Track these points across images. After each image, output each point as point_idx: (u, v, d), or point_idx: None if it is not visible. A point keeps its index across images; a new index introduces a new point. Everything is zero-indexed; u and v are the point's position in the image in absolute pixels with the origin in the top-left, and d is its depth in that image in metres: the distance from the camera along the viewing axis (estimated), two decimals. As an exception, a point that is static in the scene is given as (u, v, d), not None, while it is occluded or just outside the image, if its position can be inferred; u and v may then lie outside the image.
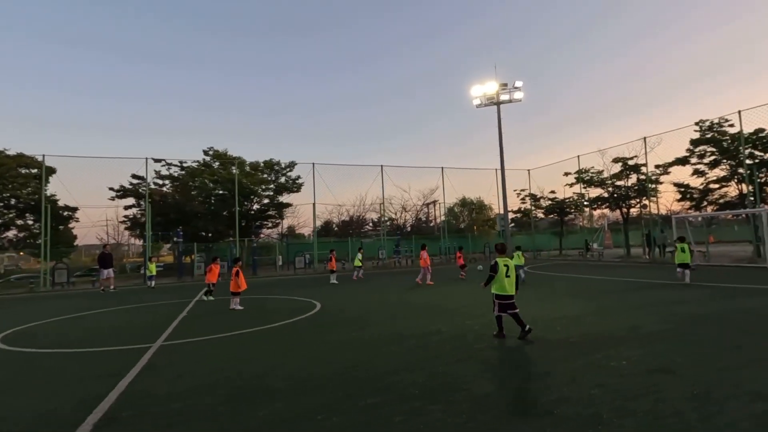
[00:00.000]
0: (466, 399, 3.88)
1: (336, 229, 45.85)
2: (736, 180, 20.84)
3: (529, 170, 34.00)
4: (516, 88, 30.09)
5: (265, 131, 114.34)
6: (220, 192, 30.18)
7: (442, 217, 37.40)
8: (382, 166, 28.29)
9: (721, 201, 21.93)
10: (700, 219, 24.03)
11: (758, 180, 19.31)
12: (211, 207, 29.45)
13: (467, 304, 9.91)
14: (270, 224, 33.83)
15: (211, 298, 12.73)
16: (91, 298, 14.85)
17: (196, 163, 29.76)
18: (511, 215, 34.74)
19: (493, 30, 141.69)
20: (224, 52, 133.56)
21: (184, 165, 29.07)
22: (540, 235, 37.96)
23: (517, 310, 6.28)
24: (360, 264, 19.13)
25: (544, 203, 33.74)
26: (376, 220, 41.08)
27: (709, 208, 22.60)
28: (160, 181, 28.77)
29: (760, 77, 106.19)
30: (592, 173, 28.38)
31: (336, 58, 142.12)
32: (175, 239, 24.34)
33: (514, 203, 34.90)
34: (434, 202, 42.59)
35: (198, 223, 28.23)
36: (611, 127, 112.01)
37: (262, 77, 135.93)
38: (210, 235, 30.73)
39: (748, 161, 19.61)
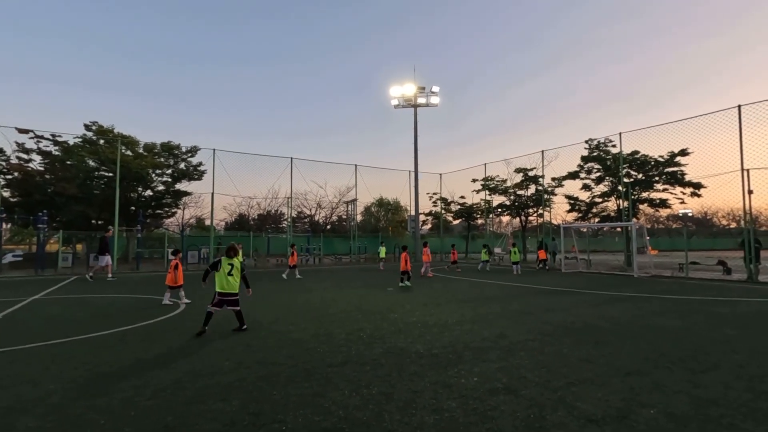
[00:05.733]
0: (270, 437, 3.12)
1: (252, 223, 43.27)
2: (615, 196, 23.06)
3: (441, 174, 34.92)
4: (433, 92, 30.65)
5: (174, 123, 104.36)
6: (106, 174, 26.51)
7: (358, 216, 36.96)
8: (291, 158, 26.95)
9: (603, 214, 24.18)
10: (584, 229, 26.32)
11: (633, 197, 21.51)
12: (93, 190, 25.67)
13: (347, 309, 9.24)
14: (164, 213, 30.55)
15: (408, 284, 13.57)
16: None
17: (78, 139, 25.79)
18: (423, 218, 35.37)
19: (415, 41, 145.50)
20: (138, 35, 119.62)
21: (59, 139, 24.98)
22: (450, 239, 39.20)
23: (238, 308, 6.76)
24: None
25: (454, 207, 34.83)
26: (295, 215, 39.42)
27: (594, 220, 24.84)
28: (25, 156, 24.37)
29: (642, 108, 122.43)
30: (497, 181, 29.82)
31: (254, 54, 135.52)
32: (38, 225, 20.57)
33: (426, 206, 35.64)
34: (354, 201, 42.20)
35: (76, 208, 24.39)
36: (519, 143, 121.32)
37: (178, 66, 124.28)
38: (99, 222, 26.84)
39: (625, 179, 21.77)
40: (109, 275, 16.55)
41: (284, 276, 16.94)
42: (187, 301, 9.90)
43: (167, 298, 9.91)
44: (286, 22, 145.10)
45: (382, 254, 22.89)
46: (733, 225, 64.16)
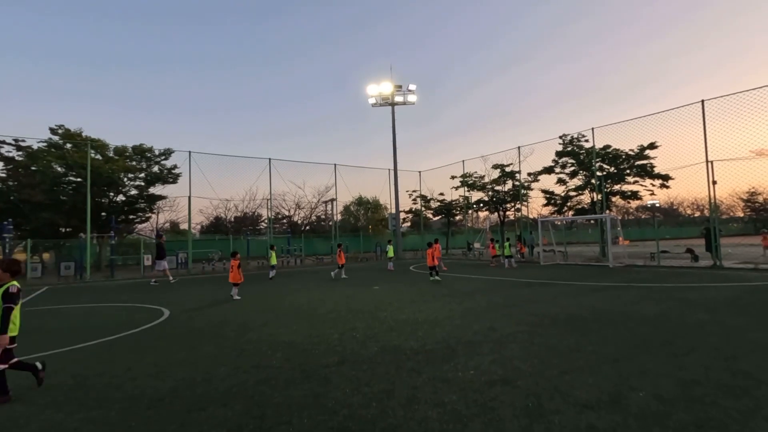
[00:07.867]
0: (278, 439, 3.13)
1: (229, 225, 42.47)
2: (589, 189, 23.79)
3: (420, 172, 35.20)
4: (410, 90, 30.84)
5: (148, 129, 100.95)
6: (74, 179, 25.50)
7: (338, 216, 36.83)
8: (270, 159, 26.59)
9: (578, 207, 24.91)
10: (559, 222, 27.05)
11: (605, 190, 22.25)
12: (61, 196, 24.65)
13: (336, 309, 9.27)
14: (138, 218, 29.66)
15: (438, 278, 14.32)
16: None
17: (43, 144, 24.68)
18: (403, 215, 35.58)
19: (391, 38, 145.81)
20: (108, 41, 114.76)
21: (22, 144, 23.88)
22: (430, 235, 39.54)
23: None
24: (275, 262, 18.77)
25: (434, 204, 35.18)
26: (272, 216, 38.89)
27: (569, 213, 25.56)
28: (-13, 163, 23.21)
29: (610, 102, 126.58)
30: (475, 178, 30.29)
31: (228, 55, 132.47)
32: (3, 234, 19.59)
33: (406, 203, 35.85)
34: (332, 200, 41.97)
35: (43, 215, 23.38)
36: (496, 137, 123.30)
37: (151, 70, 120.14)
38: (68, 229, 25.78)
39: (598, 173, 22.49)
40: (159, 278, 17.30)
41: (343, 275, 16.92)
42: (237, 297, 11.31)
43: (235, 294, 11.43)
44: (260, 22, 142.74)
45: (391, 253, 22.06)
46: (697, 214, 67.13)
